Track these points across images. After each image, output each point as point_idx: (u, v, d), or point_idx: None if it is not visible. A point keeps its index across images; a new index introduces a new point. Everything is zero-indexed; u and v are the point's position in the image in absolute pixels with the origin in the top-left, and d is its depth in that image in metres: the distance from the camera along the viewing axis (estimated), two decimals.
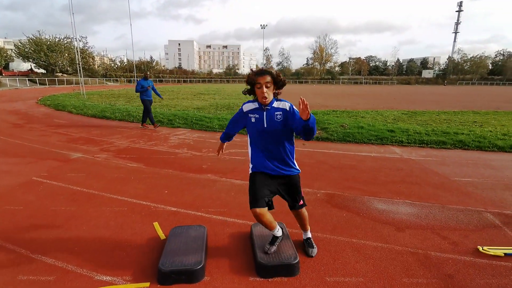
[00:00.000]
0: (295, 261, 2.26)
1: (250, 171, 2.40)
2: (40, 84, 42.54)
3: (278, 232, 2.42)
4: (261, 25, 72.19)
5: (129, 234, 2.82)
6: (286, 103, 2.31)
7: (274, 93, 2.28)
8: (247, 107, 2.38)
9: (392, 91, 37.91)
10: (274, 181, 2.35)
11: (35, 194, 3.76)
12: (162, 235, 2.80)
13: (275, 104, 2.30)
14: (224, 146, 2.78)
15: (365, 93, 31.85)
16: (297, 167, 2.43)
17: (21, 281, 2.15)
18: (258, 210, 2.18)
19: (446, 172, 4.86)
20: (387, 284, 2.15)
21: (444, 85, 75.45)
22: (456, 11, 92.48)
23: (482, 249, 2.61)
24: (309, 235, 2.67)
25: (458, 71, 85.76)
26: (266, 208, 2.24)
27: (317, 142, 7.04)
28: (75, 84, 41.59)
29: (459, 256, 2.53)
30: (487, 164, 5.33)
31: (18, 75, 45.04)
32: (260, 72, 2.22)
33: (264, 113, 2.28)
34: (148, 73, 9.31)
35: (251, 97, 2.38)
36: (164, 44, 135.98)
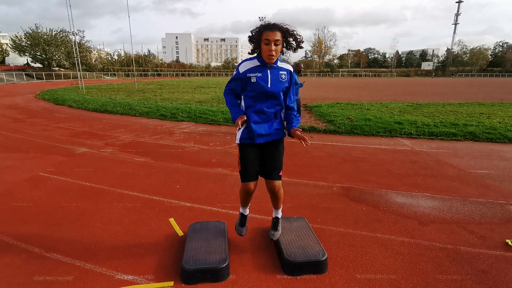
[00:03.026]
0: (323, 258, 2.16)
1: (239, 142, 2.12)
2: (37, 78, 42.07)
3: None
4: (259, 17, 71.33)
5: (145, 231, 2.72)
6: (289, 65, 2.09)
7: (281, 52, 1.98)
8: (244, 66, 1.99)
9: (393, 83, 37.69)
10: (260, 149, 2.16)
11: (43, 190, 3.64)
12: (179, 232, 2.70)
13: (279, 63, 2.02)
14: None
15: (365, 85, 31.64)
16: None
17: (38, 282, 2.05)
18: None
19: (461, 164, 4.77)
20: (421, 281, 2.06)
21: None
22: (456, 2, 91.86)
23: (511, 243, 2.53)
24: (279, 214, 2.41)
25: (457, 63, 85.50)
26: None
27: (325, 135, 6.93)
28: (72, 78, 41.09)
29: (489, 250, 2.45)
30: (500, 156, 5.25)
31: (14, 69, 44.54)
32: (270, 26, 1.87)
33: (268, 71, 1.98)
34: (302, 65, 6.71)
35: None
36: (161, 37, 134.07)
